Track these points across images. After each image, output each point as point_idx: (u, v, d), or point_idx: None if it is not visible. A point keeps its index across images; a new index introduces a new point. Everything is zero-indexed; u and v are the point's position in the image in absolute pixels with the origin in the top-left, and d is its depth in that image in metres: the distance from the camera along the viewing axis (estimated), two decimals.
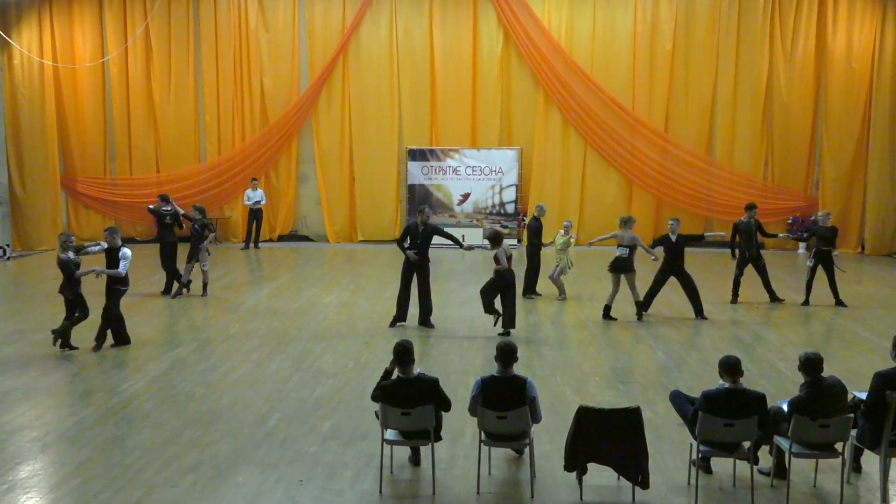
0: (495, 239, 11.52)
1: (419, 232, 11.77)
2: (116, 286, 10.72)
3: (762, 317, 12.94)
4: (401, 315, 11.98)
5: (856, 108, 19.49)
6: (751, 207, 13.81)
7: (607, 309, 12.65)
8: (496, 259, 11.31)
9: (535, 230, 14.14)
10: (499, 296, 11.44)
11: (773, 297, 13.78)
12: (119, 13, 20.46)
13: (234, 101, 20.65)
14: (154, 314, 13.15)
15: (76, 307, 10.68)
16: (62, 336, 10.71)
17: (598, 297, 14.41)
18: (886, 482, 6.61)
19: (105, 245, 10.77)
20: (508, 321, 11.43)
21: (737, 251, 13.81)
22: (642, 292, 12.73)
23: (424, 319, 11.99)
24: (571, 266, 14.15)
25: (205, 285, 14.23)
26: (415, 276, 11.85)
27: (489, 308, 11.43)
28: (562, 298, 14.06)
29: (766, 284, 13.77)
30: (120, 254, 10.61)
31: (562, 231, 14.23)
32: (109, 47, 20.48)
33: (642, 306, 12.72)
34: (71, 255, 10.63)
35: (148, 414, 8.47)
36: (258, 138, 20.67)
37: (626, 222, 12.68)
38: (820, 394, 6.40)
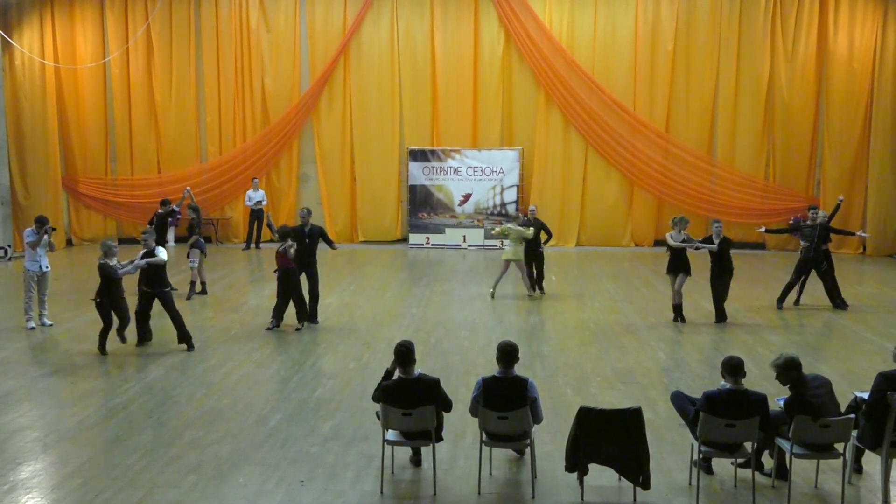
0: (285, 235, 11.81)
1: (306, 233, 12.24)
2: (141, 288, 10.90)
3: (764, 318, 12.91)
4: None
5: (857, 109, 19.47)
6: (815, 209, 13.72)
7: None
8: (283, 253, 11.45)
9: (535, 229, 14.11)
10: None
11: (836, 303, 13.49)
12: (120, 14, 20.49)
13: (235, 101, 20.66)
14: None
15: (114, 311, 10.68)
16: (123, 336, 10.86)
17: (600, 298, 14.43)
18: (888, 483, 6.60)
19: (145, 253, 10.82)
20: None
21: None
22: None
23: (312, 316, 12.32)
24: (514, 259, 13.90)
25: (198, 284, 14.29)
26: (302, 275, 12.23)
27: (279, 314, 11.80)
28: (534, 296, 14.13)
29: (829, 291, 13.51)
30: (156, 251, 10.77)
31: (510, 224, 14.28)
32: (111, 48, 20.51)
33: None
34: (114, 261, 10.66)
35: (149, 414, 8.48)
36: (259, 138, 20.69)
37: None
38: (807, 392, 6.44)
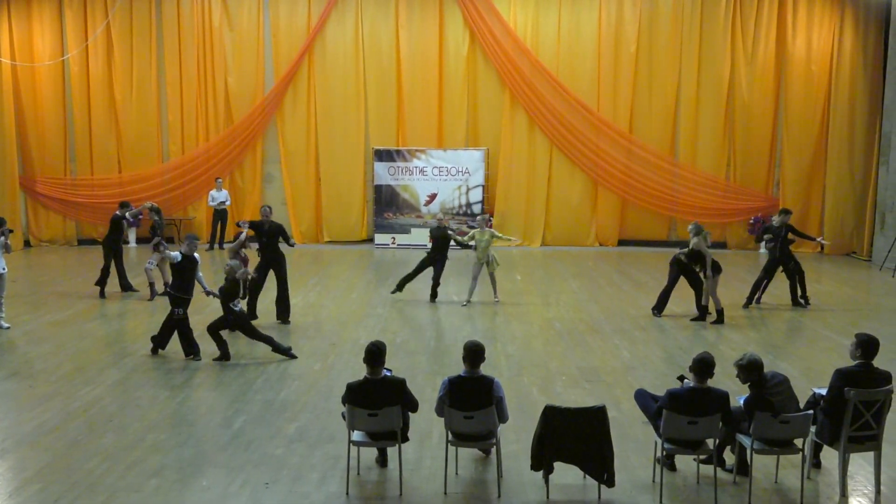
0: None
1: (265, 230, 12.32)
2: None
3: (727, 316, 13.06)
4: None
5: (815, 110, 19.85)
6: (785, 212, 13.91)
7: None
8: (234, 270, 10.36)
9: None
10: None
11: (796, 302, 13.76)
12: (79, 11, 20.14)
13: (197, 100, 20.43)
14: (114, 317, 12.99)
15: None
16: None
17: (565, 298, 14.53)
18: (845, 477, 6.73)
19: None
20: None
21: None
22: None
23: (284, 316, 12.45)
24: (498, 264, 13.69)
25: (159, 285, 14.11)
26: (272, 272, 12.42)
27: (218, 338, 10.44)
28: (496, 301, 13.79)
29: (793, 289, 13.77)
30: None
31: (477, 227, 13.80)
32: (69, 45, 20.15)
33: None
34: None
35: (110, 418, 8.34)
36: (222, 138, 20.48)
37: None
38: (767, 391, 6.56)
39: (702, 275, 12.54)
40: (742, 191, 20.26)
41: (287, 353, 10.45)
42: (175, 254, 10.52)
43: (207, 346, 10.65)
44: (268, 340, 10.41)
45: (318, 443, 7.69)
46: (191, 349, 10.41)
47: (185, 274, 10.41)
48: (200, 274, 10.72)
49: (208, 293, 10.72)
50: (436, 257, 13.77)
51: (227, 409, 8.60)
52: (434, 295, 14.00)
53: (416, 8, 20.26)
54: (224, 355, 10.34)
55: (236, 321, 10.32)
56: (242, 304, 10.74)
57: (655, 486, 6.78)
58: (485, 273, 13.74)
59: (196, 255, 10.65)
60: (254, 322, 12.14)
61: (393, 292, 14.06)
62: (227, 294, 10.26)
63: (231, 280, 10.29)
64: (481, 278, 13.81)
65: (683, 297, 13.18)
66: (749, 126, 20.09)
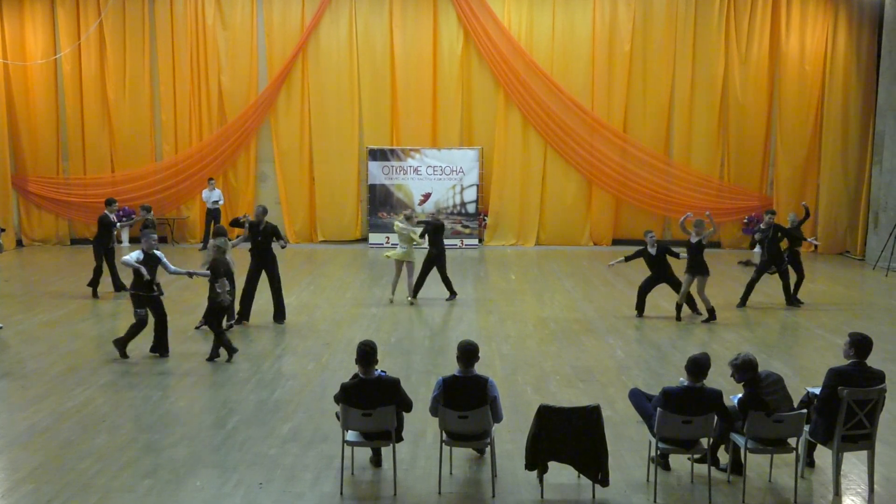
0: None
1: (259, 230, 12.19)
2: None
3: (720, 315, 13.06)
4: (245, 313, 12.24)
5: (808, 109, 19.89)
6: (771, 213, 13.93)
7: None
8: (220, 248, 10.49)
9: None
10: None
11: (790, 301, 13.80)
12: (71, 9, 20.05)
13: (191, 99, 20.37)
14: (107, 317, 12.94)
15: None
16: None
17: (559, 297, 14.54)
18: (839, 476, 6.75)
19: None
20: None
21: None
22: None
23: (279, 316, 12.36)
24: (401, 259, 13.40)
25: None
26: (263, 273, 12.28)
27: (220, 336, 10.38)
28: (411, 300, 13.69)
29: (786, 288, 13.79)
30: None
31: (400, 221, 13.50)
32: (62, 44, 20.08)
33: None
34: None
35: (103, 418, 8.31)
36: (216, 137, 20.42)
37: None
38: (761, 390, 6.57)
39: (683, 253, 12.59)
40: (736, 190, 20.29)
41: (212, 358, 10.27)
42: (132, 256, 10.16)
43: (202, 346, 10.62)
44: (219, 341, 10.30)
45: (311, 443, 7.68)
46: (158, 348, 10.41)
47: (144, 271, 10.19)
48: (173, 267, 10.54)
49: (191, 274, 10.60)
50: (432, 252, 13.65)
51: (220, 409, 8.58)
52: (452, 293, 13.92)
53: (410, 7, 20.23)
54: (214, 355, 10.28)
55: (212, 301, 10.26)
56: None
57: (650, 486, 6.79)
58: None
59: (156, 251, 10.38)
60: (245, 324, 12.11)
61: (411, 302, 13.76)
62: (212, 270, 10.26)
63: (217, 258, 10.30)
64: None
65: (675, 297, 13.17)
66: (743, 125, 20.13)
